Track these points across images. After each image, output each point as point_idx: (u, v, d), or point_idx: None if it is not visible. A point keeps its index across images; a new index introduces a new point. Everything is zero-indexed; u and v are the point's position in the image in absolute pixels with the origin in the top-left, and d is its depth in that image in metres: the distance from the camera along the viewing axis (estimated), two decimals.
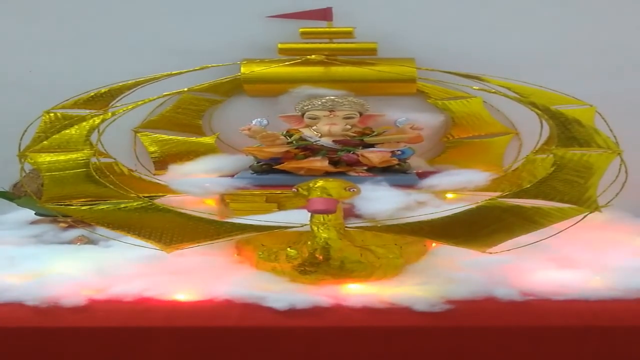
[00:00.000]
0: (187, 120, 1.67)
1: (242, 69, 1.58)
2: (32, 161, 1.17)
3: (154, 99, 1.29)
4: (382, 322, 1.02)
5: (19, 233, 1.41)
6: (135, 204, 1.10)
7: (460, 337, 1.02)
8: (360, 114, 1.51)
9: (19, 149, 1.19)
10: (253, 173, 1.40)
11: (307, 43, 1.58)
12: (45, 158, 1.16)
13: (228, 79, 1.52)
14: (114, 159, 1.43)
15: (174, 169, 1.51)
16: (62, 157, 1.16)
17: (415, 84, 1.60)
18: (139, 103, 1.24)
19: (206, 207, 1.33)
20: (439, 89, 1.63)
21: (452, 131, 1.65)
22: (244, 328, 1.03)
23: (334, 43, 1.58)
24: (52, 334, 1.03)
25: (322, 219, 1.09)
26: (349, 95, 1.51)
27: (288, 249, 1.13)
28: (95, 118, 1.19)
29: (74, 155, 1.16)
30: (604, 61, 1.61)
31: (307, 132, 1.47)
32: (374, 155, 1.36)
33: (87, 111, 1.25)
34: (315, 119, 1.49)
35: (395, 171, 1.40)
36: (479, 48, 1.61)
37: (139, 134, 1.66)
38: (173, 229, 1.11)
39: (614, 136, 1.10)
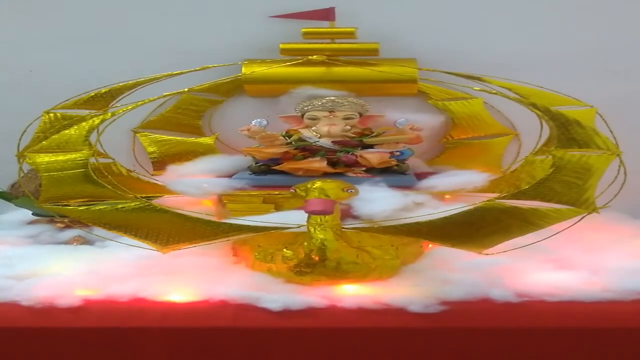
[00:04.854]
0: (187, 121, 1.67)
1: (243, 69, 1.57)
2: (31, 161, 1.17)
3: (154, 99, 1.29)
4: (377, 324, 1.02)
5: (16, 233, 1.41)
6: (132, 204, 1.10)
7: (455, 339, 1.01)
8: (360, 115, 1.51)
9: (18, 149, 1.19)
10: (251, 174, 1.40)
11: (309, 43, 1.57)
12: (44, 158, 1.16)
13: (229, 79, 1.52)
14: (113, 159, 1.43)
15: (172, 169, 1.51)
16: (60, 158, 1.16)
17: (416, 85, 1.59)
18: (139, 103, 1.24)
19: (203, 207, 1.33)
20: (439, 89, 1.62)
21: (452, 132, 1.65)
22: (238, 329, 1.02)
23: (336, 43, 1.58)
24: (48, 334, 1.03)
25: (319, 220, 1.09)
26: (349, 95, 1.51)
27: (284, 249, 1.13)
28: (95, 118, 1.19)
29: (72, 156, 1.16)
30: (605, 62, 1.60)
31: (306, 133, 1.47)
32: (373, 156, 1.36)
33: (87, 111, 1.25)
34: (315, 119, 1.49)
35: (394, 172, 1.39)
36: (480, 49, 1.60)
37: (138, 134, 1.66)
38: (170, 229, 1.11)
39: (614, 137, 1.10)
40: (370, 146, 1.42)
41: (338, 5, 1.57)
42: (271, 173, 1.38)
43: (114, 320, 1.04)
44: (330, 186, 1.12)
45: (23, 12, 1.65)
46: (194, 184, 1.35)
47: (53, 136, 1.18)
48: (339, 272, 1.10)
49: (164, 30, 1.65)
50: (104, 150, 1.41)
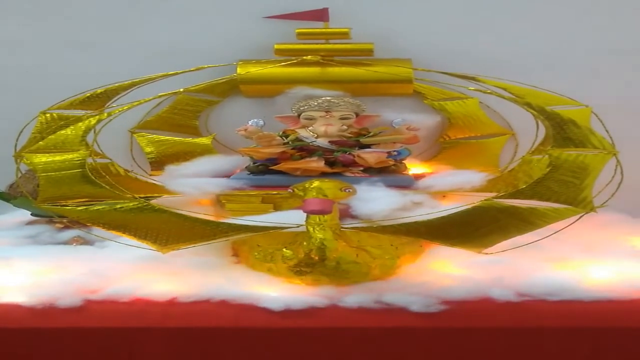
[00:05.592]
0: (184, 121, 1.67)
1: (238, 70, 1.58)
2: (28, 162, 1.17)
3: (150, 100, 1.29)
4: (378, 323, 1.02)
5: (15, 234, 1.41)
6: (131, 204, 1.10)
7: (455, 338, 1.02)
8: (357, 115, 1.51)
9: (15, 150, 1.18)
10: (249, 174, 1.39)
11: (303, 44, 1.58)
12: (41, 158, 1.16)
13: (224, 80, 1.53)
14: (110, 159, 1.42)
15: (170, 169, 1.51)
16: (58, 158, 1.16)
17: (411, 85, 1.60)
18: (135, 103, 1.24)
19: (202, 207, 1.33)
20: (435, 89, 1.63)
21: (449, 132, 1.66)
22: (239, 329, 1.02)
23: (331, 44, 1.58)
24: (48, 335, 1.03)
25: (317, 220, 1.09)
26: (345, 95, 1.51)
27: (284, 249, 1.13)
28: (91, 118, 1.19)
29: (69, 156, 1.16)
30: (601, 62, 1.61)
31: (303, 133, 1.47)
32: (370, 156, 1.36)
33: (83, 112, 1.25)
34: (311, 119, 1.49)
35: (391, 172, 1.39)
36: (476, 49, 1.61)
37: (135, 135, 1.66)
38: (169, 229, 1.11)
39: (610, 137, 1.10)
40: (368, 146, 1.42)
41: (332, 6, 1.58)
42: (269, 173, 1.37)
43: (114, 321, 1.03)
44: (328, 186, 1.11)
45: (20, 12, 1.65)
46: (192, 184, 1.35)
47: (50, 136, 1.17)
48: (339, 271, 1.10)
49: (159, 30, 1.65)
50: (101, 151, 1.41)
